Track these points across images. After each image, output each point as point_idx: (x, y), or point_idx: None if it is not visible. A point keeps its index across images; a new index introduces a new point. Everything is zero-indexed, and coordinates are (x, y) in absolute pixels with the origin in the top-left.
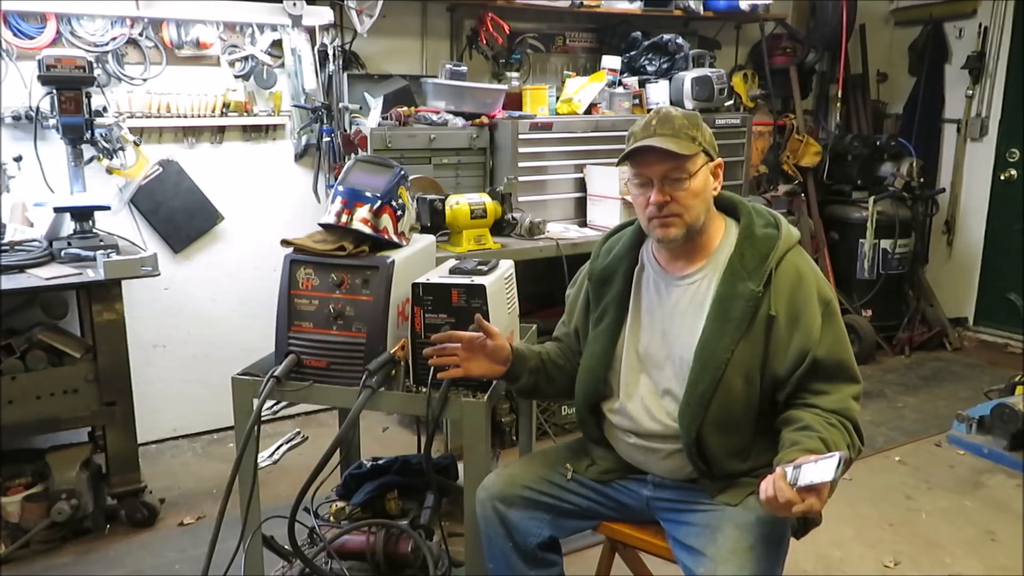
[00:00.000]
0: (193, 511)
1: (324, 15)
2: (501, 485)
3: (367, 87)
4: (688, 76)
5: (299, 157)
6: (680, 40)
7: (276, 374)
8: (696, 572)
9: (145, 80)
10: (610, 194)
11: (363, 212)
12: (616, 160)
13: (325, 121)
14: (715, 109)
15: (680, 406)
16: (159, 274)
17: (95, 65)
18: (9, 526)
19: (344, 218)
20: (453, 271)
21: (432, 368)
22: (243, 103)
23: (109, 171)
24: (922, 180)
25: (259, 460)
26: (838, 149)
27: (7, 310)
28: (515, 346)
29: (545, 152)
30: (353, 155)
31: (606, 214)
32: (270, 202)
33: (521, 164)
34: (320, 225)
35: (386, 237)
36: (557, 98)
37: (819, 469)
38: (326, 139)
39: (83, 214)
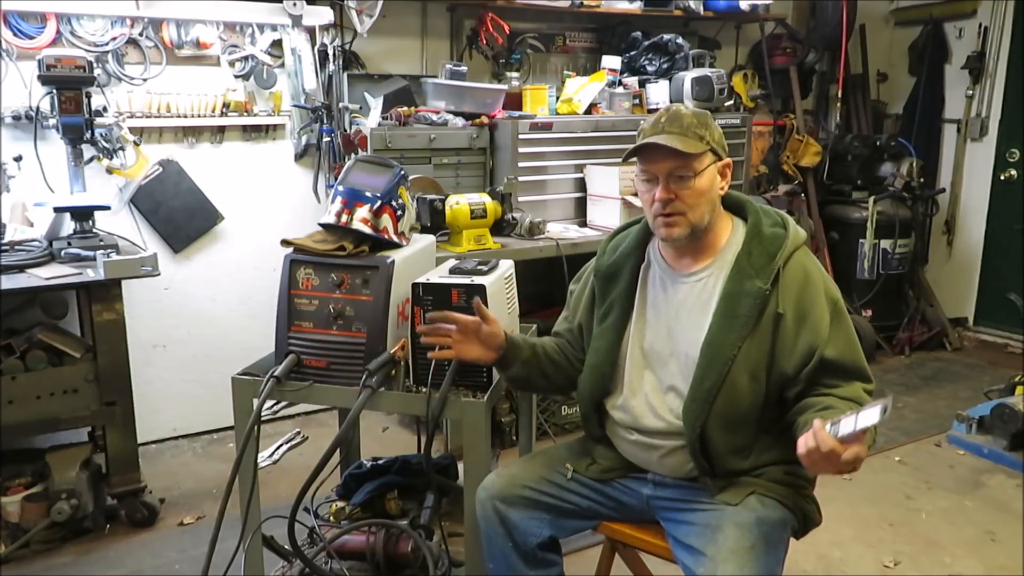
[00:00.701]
0: (193, 511)
1: (324, 15)
2: (501, 485)
3: (367, 87)
4: (688, 76)
5: (299, 157)
6: (680, 40)
7: (276, 374)
8: (696, 572)
9: (145, 80)
10: (610, 194)
11: (363, 212)
12: (620, 159)
13: (325, 121)
14: (715, 109)
15: (685, 402)
16: (159, 274)
17: (95, 65)
18: (9, 526)
19: (344, 218)
20: (453, 271)
21: (431, 368)
22: (243, 103)
23: (109, 171)
24: (922, 180)
25: (259, 460)
26: (838, 149)
27: (7, 310)
28: (509, 335)
29: (545, 152)
30: (353, 155)
31: (606, 214)
32: (270, 202)
33: (521, 164)
34: (320, 225)
35: (386, 237)
36: (557, 98)
37: (861, 417)
38: (326, 139)
39: (83, 214)
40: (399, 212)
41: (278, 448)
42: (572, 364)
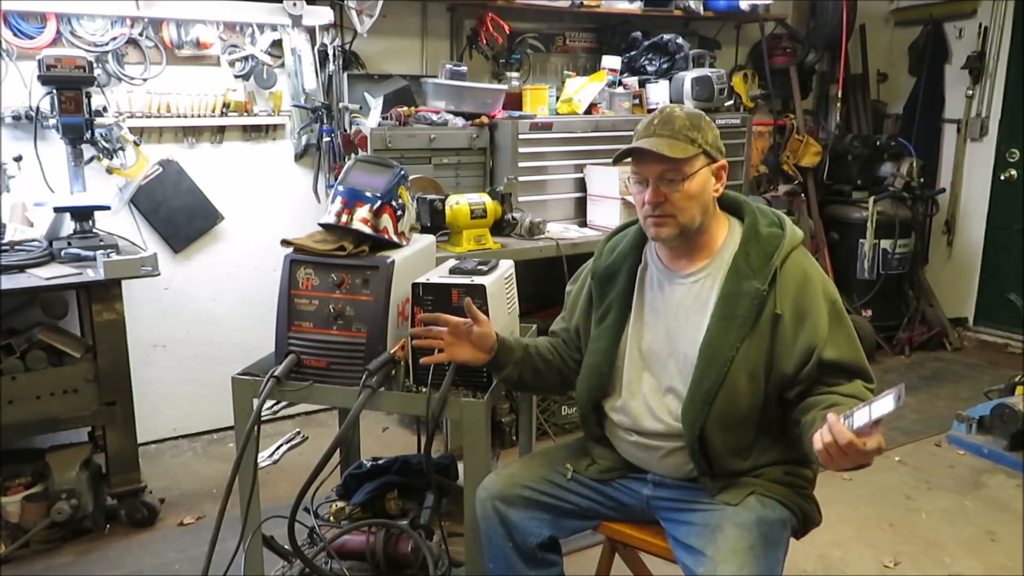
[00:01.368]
0: (193, 511)
1: (324, 15)
2: (501, 485)
3: (367, 87)
4: (688, 76)
5: (299, 157)
6: (680, 40)
7: (276, 374)
8: (696, 572)
9: (145, 80)
10: (610, 194)
11: (363, 212)
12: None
13: (325, 121)
14: (715, 109)
15: (684, 403)
16: (159, 274)
17: (95, 65)
18: (9, 526)
19: (344, 218)
20: (453, 271)
21: (431, 368)
22: (243, 103)
23: (109, 171)
24: (922, 180)
25: (259, 460)
26: (838, 149)
27: (7, 310)
28: (501, 336)
29: (545, 152)
30: (353, 155)
31: (606, 214)
32: (270, 202)
33: (521, 164)
34: (320, 225)
35: (386, 237)
36: (557, 98)
37: (875, 407)
38: (326, 139)
39: (83, 214)
40: (399, 212)
41: (278, 448)
42: (566, 363)
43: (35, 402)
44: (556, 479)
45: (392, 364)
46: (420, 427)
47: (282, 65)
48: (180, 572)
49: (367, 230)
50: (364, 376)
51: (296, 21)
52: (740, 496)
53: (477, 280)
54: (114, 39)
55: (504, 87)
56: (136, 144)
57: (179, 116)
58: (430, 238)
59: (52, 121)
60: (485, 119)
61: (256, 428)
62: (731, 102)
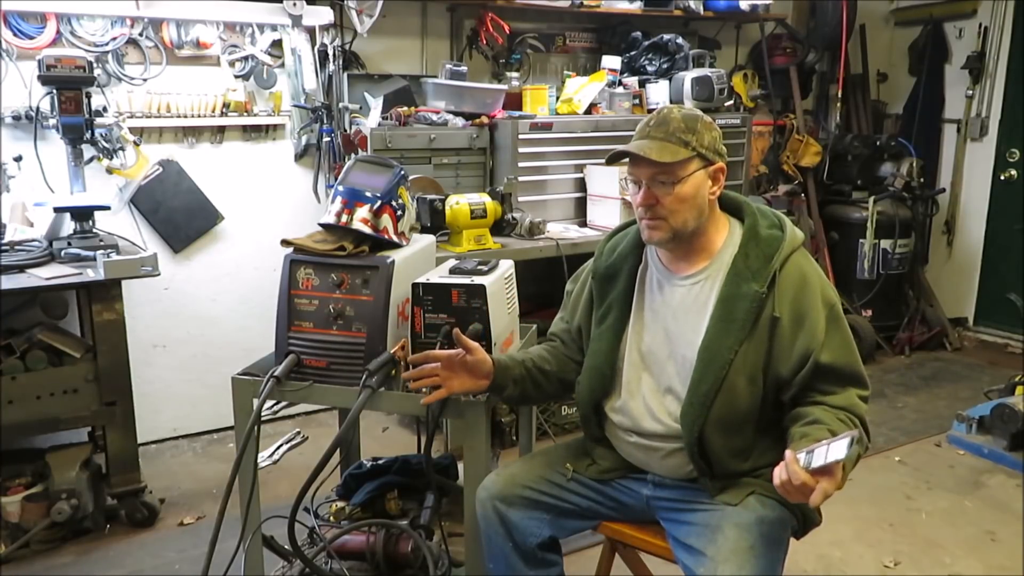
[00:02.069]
0: (193, 511)
1: (324, 15)
2: (501, 485)
3: (367, 87)
4: (688, 76)
5: (299, 157)
6: (680, 40)
7: (276, 374)
8: (696, 572)
9: (145, 80)
10: (610, 194)
11: (363, 212)
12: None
13: (325, 121)
14: (715, 109)
15: (683, 405)
16: (159, 274)
17: (95, 65)
18: (9, 526)
19: (344, 218)
20: (453, 271)
21: None
22: (243, 103)
23: (109, 171)
24: (922, 180)
25: (259, 460)
26: (838, 149)
27: (7, 310)
28: (496, 358)
29: (545, 152)
30: (353, 155)
31: (606, 214)
32: (270, 202)
33: (521, 164)
34: (320, 225)
35: (386, 237)
36: (557, 98)
37: (832, 450)
38: (326, 139)
39: (83, 214)
40: (399, 212)
41: (278, 448)
42: (564, 368)
43: (35, 402)
44: (556, 479)
45: (392, 364)
46: (420, 427)
47: (282, 65)
48: (180, 572)
49: (367, 230)
50: (364, 376)
51: (296, 21)
52: (740, 496)
53: (477, 280)
54: (114, 39)
55: (504, 87)
56: (136, 144)
57: (179, 116)
58: (430, 238)
59: (52, 121)
60: (485, 119)
61: (256, 428)
62: (731, 102)
